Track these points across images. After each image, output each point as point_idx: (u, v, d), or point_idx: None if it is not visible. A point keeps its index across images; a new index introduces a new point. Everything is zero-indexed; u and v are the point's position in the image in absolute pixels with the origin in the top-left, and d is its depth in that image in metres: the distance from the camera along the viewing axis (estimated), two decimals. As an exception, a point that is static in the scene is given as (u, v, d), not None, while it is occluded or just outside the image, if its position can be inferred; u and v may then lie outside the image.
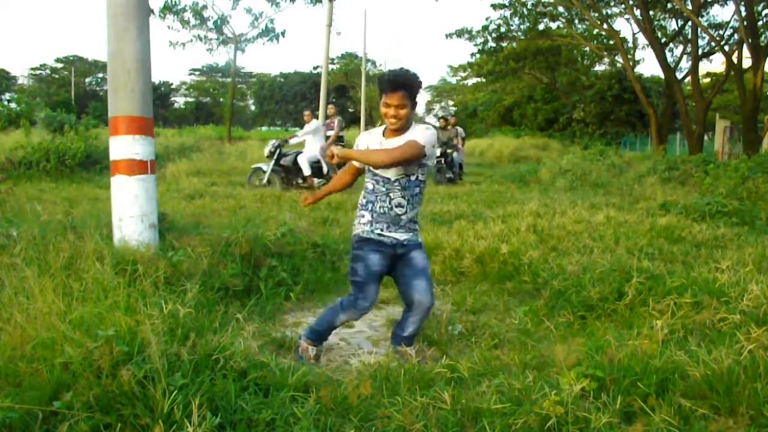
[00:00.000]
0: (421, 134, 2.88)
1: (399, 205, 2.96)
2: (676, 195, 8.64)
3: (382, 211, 2.97)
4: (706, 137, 21.90)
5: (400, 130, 2.92)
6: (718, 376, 2.34)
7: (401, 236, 2.99)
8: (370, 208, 3.00)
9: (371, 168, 2.96)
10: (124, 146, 3.92)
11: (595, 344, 2.76)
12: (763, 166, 9.52)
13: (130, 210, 3.93)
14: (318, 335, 3.17)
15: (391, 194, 2.95)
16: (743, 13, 16.58)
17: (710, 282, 3.54)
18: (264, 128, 59.39)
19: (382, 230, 2.98)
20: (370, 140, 3.01)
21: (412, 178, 2.95)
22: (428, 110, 74.61)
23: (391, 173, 2.93)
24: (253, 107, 71.88)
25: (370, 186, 3.01)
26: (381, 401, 2.31)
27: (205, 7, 18.96)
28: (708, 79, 31.67)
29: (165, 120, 60.22)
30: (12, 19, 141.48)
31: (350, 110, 59.13)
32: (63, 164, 11.77)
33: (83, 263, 3.24)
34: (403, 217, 2.98)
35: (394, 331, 3.19)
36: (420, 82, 2.92)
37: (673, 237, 5.60)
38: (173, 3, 18.45)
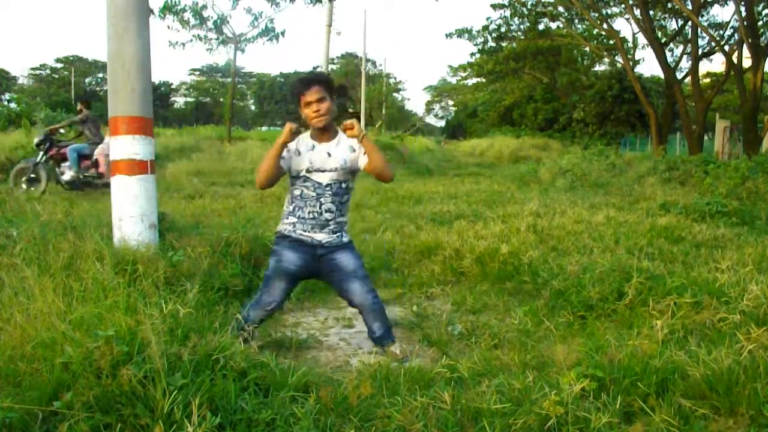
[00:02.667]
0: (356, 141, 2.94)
1: (329, 211, 2.99)
2: (676, 195, 8.64)
3: (311, 216, 2.98)
4: (706, 137, 21.89)
5: (329, 130, 2.96)
6: (718, 376, 2.34)
7: (322, 237, 3.00)
8: (297, 214, 3.01)
9: (303, 173, 2.96)
10: (124, 146, 3.92)
11: (595, 344, 2.76)
12: (763, 166, 9.52)
13: (130, 210, 3.93)
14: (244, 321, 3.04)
15: (321, 199, 2.97)
16: (743, 13, 16.58)
17: (710, 282, 3.54)
18: (264, 128, 59.32)
19: (304, 230, 3.00)
20: (300, 145, 2.99)
21: (343, 185, 3.00)
22: (428, 110, 74.62)
23: (324, 178, 2.95)
24: (253, 107, 71.92)
25: (297, 192, 3.02)
26: (381, 401, 2.31)
27: (205, 7, 18.93)
28: (708, 79, 31.67)
29: (165, 120, 60.17)
30: (12, 19, 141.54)
31: (350, 110, 59.16)
32: (63, 164, 11.74)
33: (83, 263, 3.24)
34: (331, 222, 3.00)
35: (370, 336, 3.18)
36: (332, 81, 2.97)
37: (673, 237, 5.60)
38: (173, 3, 18.41)
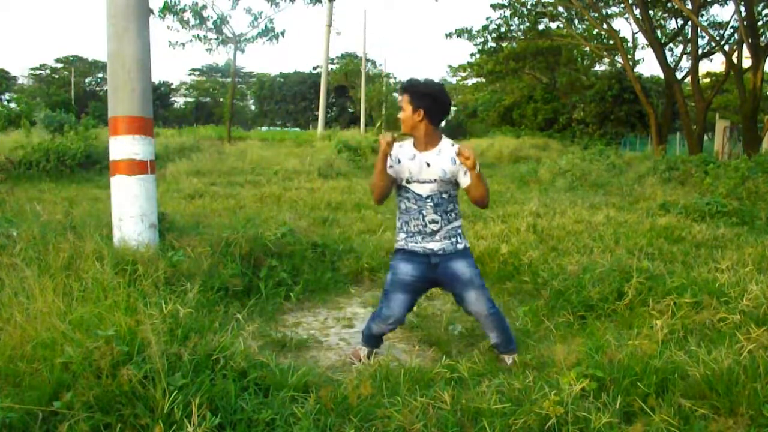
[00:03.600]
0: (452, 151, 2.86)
1: (433, 222, 2.91)
2: (676, 195, 8.64)
3: (417, 229, 2.93)
4: (706, 137, 21.89)
5: (429, 137, 2.88)
6: (718, 376, 2.34)
7: (435, 246, 2.93)
8: (405, 229, 2.97)
9: (404, 183, 2.92)
10: (124, 146, 3.92)
11: (595, 344, 2.76)
12: (763, 166, 9.52)
13: (130, 210, 3.93)
14: (368, 340, 3.17)
15: (423, 211, 2.90)
16: (743, 13, 16.58)
17: (710, 282, 3.54)
18: (264, 128, 59.38)
19: (416, 242, 2.94)
20: (400, 153, 2.92)
21: (444, 195, 2.91)
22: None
23: (423, 189, 2.89)
24: (253, 107, 71.90)
25: (402, 206, 2.97)
26: (381, 401, 2.31)
27: (204, 7, 18.95)
28: (708, 79, 31.67)
29: (165, 120, 60.12)
30: (12, 19, 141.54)
31: (350, 110, 59.18)
32: (63, 164, 11.77)
33: (83, 263, 3.24)
34: (439, 233, 2.92)
35: (492, 343, 3.09)
36: (428, 89, 2.85)
37: (673, 237, 5.60)
38: (173, 3, 18.43)
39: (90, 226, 4.06)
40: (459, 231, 3.01)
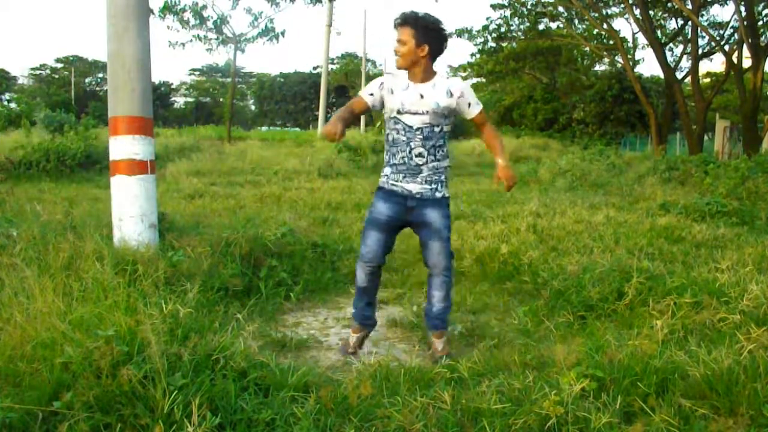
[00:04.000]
0: (460, 89, 2.88)
1: (419, 155, 2.89)
2: (676, 195, 8.64)
3: (402, 161, 2.91)
4: (706, 137, 21.89)
5: (423, 71, 2.86)
6: (718, 376, 2.34)
7: (414, 188, 2.92)
8: (390, 162, 2.97)
9: (395, 114, 2.89)
10: (124, 146, 3.92)
11: (595, 344, 2.76)
12: (763, 166, 9.52)
13: (130, 210, 3.93)
14: (357, 313, 3.16)
15: (411, 143, 2.88)
16: (743, 13, 16.58)
17: (710, 282, 3.54)
18: (264, 128, 59.35)
19: (396, 180, 2.94)
20: (394, 83, 2.92)
21: (436, 129, 2.89)
22: (428, 110, 74.40)
23: (414, 121, 2.87)
24: (253, 107, 71.89)
25: (390, 137, 2.95)
26: (381, 401, 2.31)
27: (204, 7, 18.95)
28: (708, 79, 31.67)
29: (165, 120, 60.11)
30: (12, 19, 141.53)
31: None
32: (63, 164, 11.77)
33: (83, 263, 3.24)
34: (424, 168, 2.90)
35: (425, 311, 3.14)
36: (433, 23, 2.83)
37: (673, 237, 5.60)
38: (173, 3, 18.43)
39: (90, 226, 4.06)
40: (443, 176, 2.98)
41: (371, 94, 2.95)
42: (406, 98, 2.87)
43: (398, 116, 2.90)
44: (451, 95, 2.88)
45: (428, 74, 2.90)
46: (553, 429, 2.10)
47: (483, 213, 7.29)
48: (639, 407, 2.25)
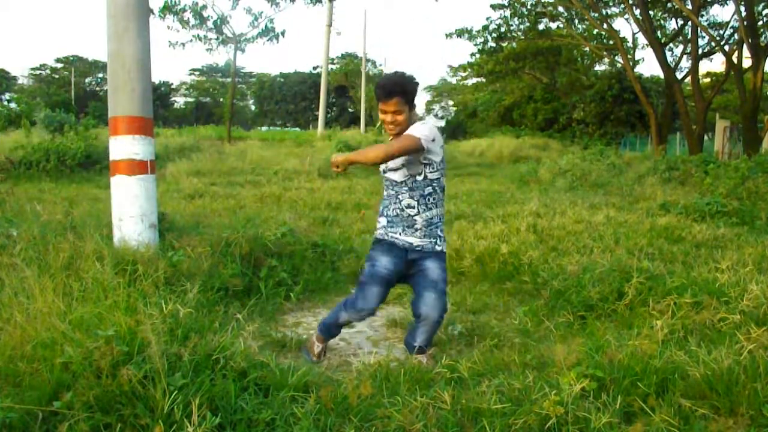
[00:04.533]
0: (416, 128, 2.84)
1: (409, 206, 2.92)
2: (676, 195, 8.64)
3: (395, 213, 2.96)
4: (706, 137, 21.88)
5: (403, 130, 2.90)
6: (718, 376, 2.34)
7: (415, 241, 2.94)
8: (385, 213, 3.02)
9: (381, 173, 2.98)
10: (124, 146, 3.92)
11: (595, 344, 2.76)
12: (763, 166, 9.51)
13: (130, 210, 3.93)
14: (326, 330, 3.14)
15: (400, 196, 2.93)
16: (743, 13, 16.58)
17: (710, 282, 3.54)
18: (264, 128, 59.38)
19: (396, 234, 2.96)
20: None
21: (419, 177, 2.90)
22: (428, 110, 74.59)
23: (397, 176, 2.92)
24: (253, 107, 71.88)
25: (384, 193, 3.04)
26: (381, 401, 2.31)
27: (204, 7, 18.95)
28: (708, 79, 31.67)
29: (165, 120, 60.13)
30: (12, 19, 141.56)
31: (350, 110, 59.17)
32: (63, 164, 11.77)
33: (83, 263, 3.24)
34: (417, 218, 2.92)
35: (406, 339, 3.13)
36: (415, 84, 2.88)
37: (673, 237, 5.60)
38: (173, 3, 18.43)
39: (90, 226, 4.05)
40: (439, 229, 3.00)
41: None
42: None
43: (384, 174, 2.99)
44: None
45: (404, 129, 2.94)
46: (553, 429, 2.10)
47: (483, 213, 7.30)
48: (639, 407, 2.25)
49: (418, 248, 2.94)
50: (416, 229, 2.94)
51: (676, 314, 3.16)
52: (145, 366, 2.14)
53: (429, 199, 2.94)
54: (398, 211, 2.95)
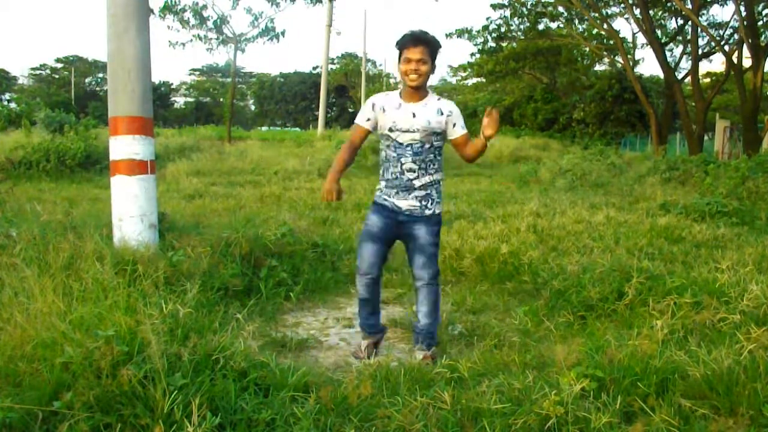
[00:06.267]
0: (450, 109, 2.96)
1: (410, 170, 2.95)
2: (676, 195, 8.64)
3: (393, 176, 2.99)
4: (706, 137, 21.89)
5: (420, 90, 2.94)
6: (718, 376, 2.34)
7: (404, 204, 2.99)
8: (384, 176, 3.05)
9: (386, 131, 2.97)
10: (124, 146, 3.92)
11: (595, 344, 2.76)
12: (763, 166, 9.51)
13: (130, 210, 3.93)
14: (361, 321, 3.25)
15: (402, 159, 2.96)
16: (743, 13, 16.58)
17: (710, 282, 3.54)
18: (264, 128, 59.36)
19: (388, 196, 3.02)
20: (386, 102, 3.00)
21: (427, 145, 2.95)
22: (428, 110, 74.40)
23: (405, 138, 2.94)
24: (253, 107, 71.85)
25: (383, 154, 3.05)
26: (381, 401, 2.31)
27: (205, 7, 18.95)
28: (708, 79, 31.66)
29: (165, 120, 60.18)
30: (12, 19, 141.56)
31: (350, 110, 59.14)
32: (63, 164, 11.77)
33: (83, 263, 3.24)
34: (415, 182, 2.96)
35: (413, 326, 3.21)
36: (440, 45, 2.95)
37: (673, 237, 5.60)
38: (173, 3, 18.44)
39: (90, 226, 4.05)
40: (433, 191, 3.03)
41: (368, 119, 3.05)
42: (398, 116, 2.95)
43: (389, 133, 2.98)
44: (442, 114, 2.97)
45: (424, 93, 2.99)
46: (553, 429, 2.10)
47: (483, 213, 7.30)
48: (639, 407, 2.25)
49: (407, 212, 3.00)
50: (410, 193, 2.98)
51: (676, 314, 3.16)
52: (145, 366, 2.14)
53: (430, 165, 2.99)
54: (398, 173, 2.97)
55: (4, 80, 64.15)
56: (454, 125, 2.99)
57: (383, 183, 3.06)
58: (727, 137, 21.05)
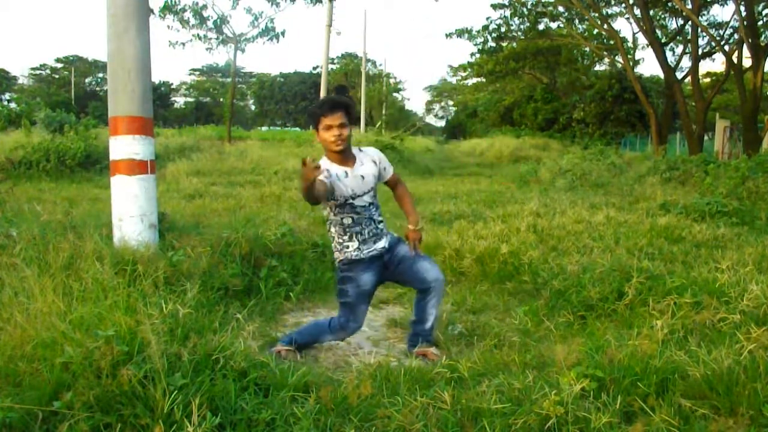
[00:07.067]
0: (378, 156, 3.09)
1: (380, 221, 3.09)
2: (676, 195, 8.63)
3: (371, 234, 3.03)
4: (706, 137, 21.87)
5: (348, 152, 2.96)
6: (718, 376, 2.34)
7: (383, 242, 3.08)
8: (358, 239, 3.01)
9: (349, 200, 2.95)
10: (124, 146, 3.92)
11: (595, 344, 2.76)
12: (763, 166, 9.50)
13: (130, 210, 3.93)
14: (299, 347, 3.17)
15: (373, 216, 3.04)
16: (743, 13, 16.58)
17: (710, 282, 3.54)
18: (264, 128, 59.36)
19: (369, 248, 3.04)
20: (337, 172, 2.91)
21: (374, 193, 3.09)
22: (428, 110, 74.60)
23: (366, 199, 3.01)
24: (253, 107, 71.87)
25: (348, 221, 2.98)
26: (381, 401, 2.31)
27: (205, 6, 18.94)
28: (708, 79, 31.66)
29: (165, 120, 60.19)
30: (12, 19, 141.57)
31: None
32: (63, 164, 11.77)
33: (83, 263, 3.24)
34: (381, 226, 3.09)
35: (414, 331, 3.21)
36: (354, 104, 3.06)
37: (673, 237, 5.60)
38: (173, 3, 18.43)
39: (90, 226, 4.05)
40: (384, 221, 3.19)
41: (327, 169, 2.89)
42: (353, 185, 2.95)
43: (353, 201, 2.97)
44: (376, 164, 3.08)
45: (350, 153, 3.01)
46: (553, 429, 2.10)
47: (483, 213, 7.29)
48: (639, 407, 2.25)
49: (386, 246, 3.10)
50: (380, 235, 3.08)
51: (676, 314, 3.16)
52: (145, 366, 2.14)
53: (379, 207, 3.13)
54: (374, 230, 3.04)
55: (4, 80, 64.15)
56: (385, 169, 3.13)
57: (356, 243, 3.00)
58: (727, 137, 21.04)
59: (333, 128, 2.87)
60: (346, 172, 2.94)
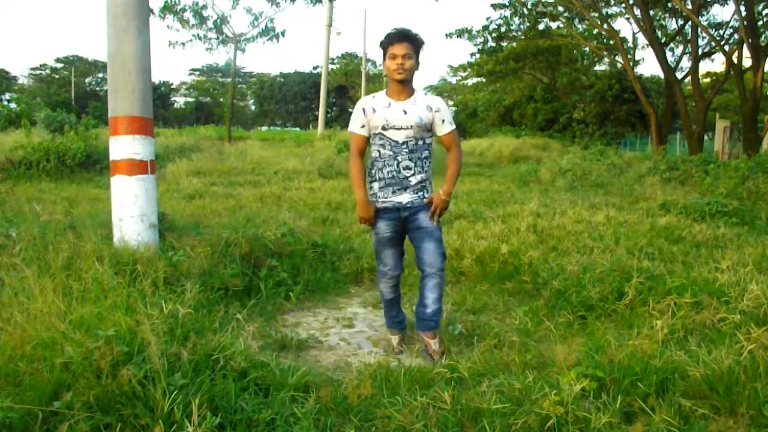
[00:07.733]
0: (438, 104, 3.04)
1: (407, 168, 3.02)
2: (676, 195, 8.64)
3: (390, 175, 3.03)
4: (706, 137, 21.88)
5: (407, 86, 3.00)
6: (718, 376, 2.34)
7: (405, 198, 3.05)
8: (378, 176, 3.06)
9: (379, 130, 3.00)
10: (124, 146, 3.92)
11: (595, 344, 2.76)
12: (763, 166, 9.51)
13: (130, 210, 3.93)
14: (387, 319, 3.38)
15: (398, 157, 3.01)
16: (743, 13, 16.57)
17: (710, 282, 3.54)
18: (264, 128, 59.38)
19: (386, 197, 3.05)
20: (375, 104, 3.04)
21: (420, 142, 3.03)
22: (428, 110, 74.39)
23: (400, 135, 2.99)
24: (253, 107, 71.87)
25: (375, 153, 3.07)
26: (381, 401, 2.31)
27: (204, 6, 18.94)
28: (708, 79, 31.65)
29: (165, 120, 60.20)
30: (12, 19, 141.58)
31: (350, 110, 59.16)
32: (63, 164, 11.76)
33: (83, 263, 3.24)
34: (412, 179, 3.03)
35: (417, 314, 3.22)
36: (423, 42, 3.02)
37: (673, 237, 5.60)
38: (173, 3, 18.43)
39: (90, 226, 4.05)
40: (428, 183, 3.12)
41: (362, 126, 3.07)
42: (389, 115, 3.00)
43: (383, 132, 3.01)
44: (431, 110, 3.04)
45: (411, 90, 3.05)
46: (553, 429, 2.10)
47: (483, 213, 7.29)
48: (639, 407, 2.25)
49: (408, 205, 3.07)
50: (407, 189, 3.04)
51: (676, 314, 3.16)
52: (145, 366, 2.14)
53: (425, 162, 3.08)
54: (394, 173, 3.03)
55: (4, 80, 64.13)
56: (443, 121, 3.07)
57: (377, 184, 3.07)
58: (727, 137, 21.05)
59: (397, 57, 2.93)
60: (390, 103, 3.01)
